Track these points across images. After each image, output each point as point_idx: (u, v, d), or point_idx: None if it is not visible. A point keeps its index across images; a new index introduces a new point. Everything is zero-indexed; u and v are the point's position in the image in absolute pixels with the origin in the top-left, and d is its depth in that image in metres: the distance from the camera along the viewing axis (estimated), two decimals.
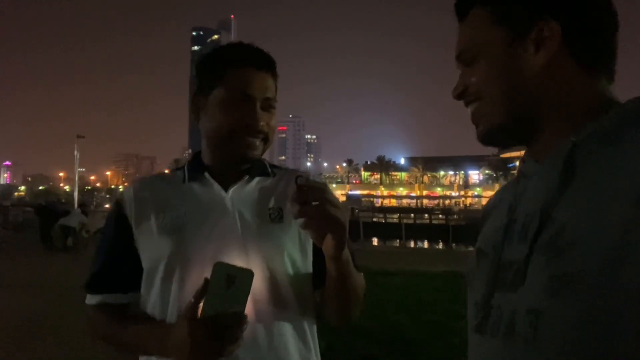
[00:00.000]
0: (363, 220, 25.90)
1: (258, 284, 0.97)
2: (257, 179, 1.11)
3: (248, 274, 0.86)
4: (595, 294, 0.49)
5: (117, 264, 1.07)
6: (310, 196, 0.83)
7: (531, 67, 0.63)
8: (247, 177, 1.09)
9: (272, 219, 1.05)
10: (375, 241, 24.73)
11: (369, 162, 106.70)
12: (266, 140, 1.08)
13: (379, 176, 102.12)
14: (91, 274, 1.09)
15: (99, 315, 1.08)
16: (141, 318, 1.04)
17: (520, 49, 0.64)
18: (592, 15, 0.63)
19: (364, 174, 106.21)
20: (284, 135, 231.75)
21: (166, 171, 1.29)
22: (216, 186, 1.07)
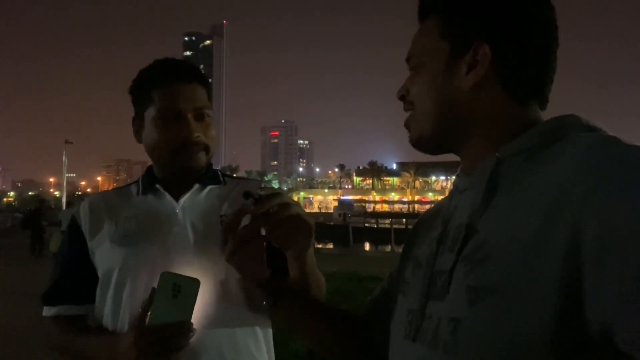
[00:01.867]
0: (354, 226, 25.95)
1: (209, 292, 1.00)
2: (208, 187, 1.13)
3: (194, 283, 0.88)
4: (506, 305, 0.52)
5: (73, 277, 1.10)
6: (268, 205, 0.82)
7: (461, 88, 0.65)
8: (197, 185, 1.11)
9: (218, 220, 1.07)
10: (367, 246, 24.77)
11: (361, 167, 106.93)
12: (207, 150, 1.09)
13: (371, 181, 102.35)
14: (48, 286, 1.11)
15: (55, 327, 1.10)
16: (94, 329, 1.07)
17: (456, 68, 0.66)
18: (524, 46, 0.63)
19: (356, 179, 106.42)
20: (275, 141, 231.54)
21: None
22: (167, 197, 1.09)
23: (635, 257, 0.44)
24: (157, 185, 1.11)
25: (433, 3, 0.70)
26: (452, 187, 0.74)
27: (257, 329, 1.08)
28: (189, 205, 1.09)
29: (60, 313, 1.09)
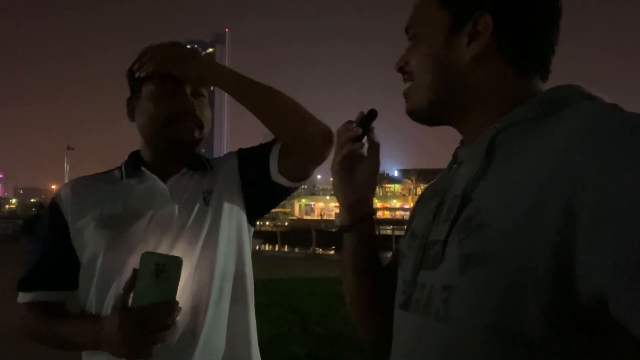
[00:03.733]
0: None
1: (196, 271, 0.99)
2: (195, 171, 1.12)
3: (177, 261, 0.86)
4: (499, 273, 0.51)
5: (52, 262, 1.06)
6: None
7: (461, 59, 0.64)
8: (185, 169, 1.11)
9: (205, 202, 1.07)
10: None
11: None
12: (200, 127, 1.09)
13: None
14: (25, 272, 1.08)
15: (30, 313, 1.05)
16: (75, 314, 1.03)
17: (456, 38, 0.65)
18: (526, 16, 0.62)
19: None
20: None
21: None
22: (154, 178, 1.08)
23: (631, 224, 0.43)
24: (143, 168, 1.09)
25: None
26: (451, 160, 0.72)
27: (248, 303, 1.09)
28: (178, 187, 1.08)
29: (36, 299, 1.05)
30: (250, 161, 1.14)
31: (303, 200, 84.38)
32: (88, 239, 1.02)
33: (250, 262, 1.13)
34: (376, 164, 0.83)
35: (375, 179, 0.84)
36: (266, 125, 1.08)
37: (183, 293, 0.90)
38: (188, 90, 1.07)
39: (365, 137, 0.82)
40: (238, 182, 1.12)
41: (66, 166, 33.83)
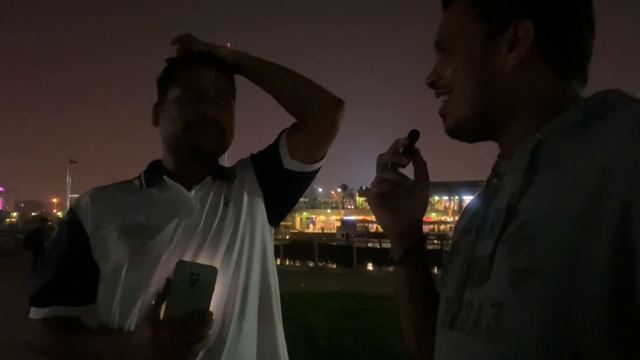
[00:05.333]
0: (358, 246, 25.81)
1: (225, 280, 0.98)
2: (218, 181, 1.12)
3: (212, 270, 0.85)
4: (553, 286, 0.49)
5: (70, 275, 1.02)
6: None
7: (502, 67, 0.63)
8: (209, 178, 1.11)
9: (227, 206, 1.07)
10: (370, 266, 24.57)
11: (364, 188, 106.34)
12: (222, 132, 1.08)
13: None
14: (39, 286, 1.03)
15: (45, 330, 1.01)
16: (95, 329, 0.99)
17: (495, 47, 0.63)
18: (566, 21, 0.62)
19: (359, 200, 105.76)
20: None
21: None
22: (179, 187, 1.07)
23: None
24: (165, 177, 1.08)
25: None
26: (491, 173, 0.70)
27: (274, 313, 1.08)
28: (201, 197, 1.07)
29: (53, 314, 1.00)
30: (263, 158, 1.15)
31: (304, 213, 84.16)
32: (111, 250, 0.99)
33: (274, 264, 1.13)
34: (426, 184, 0.77)
35: (426, 201, 0.78)
36: (281, 97, 1.12)
37: (213, 304, 0.88)
38: (212, 97, 1.06)
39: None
40: (256, 184, 1.12)
41: (69, 179, 33.91)
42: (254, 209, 1.09)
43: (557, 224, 0.51)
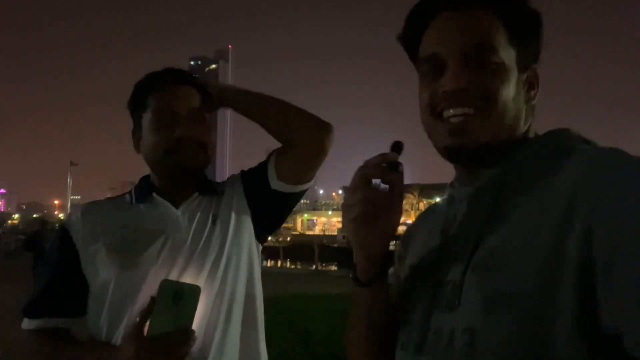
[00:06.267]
0: None
1: (210, 297, 0.99)
2: (206, 196, 1.13)
3: (195, 289, 0.87)
4: (526, 310, 0.52)
5: (61, 287, 1.05)
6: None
7: (524, 101, 0.66)
8: (196, 194, 1.12)
9: (214, 224, 1.08)
10: None
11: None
12: (204, 148, 1.09)
13: None
14: (31, 298, 1.07)
15: (36, 340, 1.05)
16: (83, 342, 1.02)
17: (520, 80, 0.65)
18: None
19: None
20: None
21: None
22: (166, 204, 1.08)
23: None
24: (154, 194, 1.09)
25: (499, 5, 0.64)
26: (447, 197, 0.72)
27: (259, 331, 1.09)
28: (188, 213, 1.08)
29: (44, 326, 1.03)
30: (252, 176, 1.16)
31: (305, 215, 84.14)
32: (99, 265, 1.02)
33: (260, 282, 1.13)
34: (400, 206, 0.67)
35: (399, 219, 0.68)
36: (269, 128, 1.12)
37: (196, 321, 0.90)
38: (185, 116, 1.06)
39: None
40: (244, 201, 1.13)
41: (69, 181, 34.06)
42: (241, 226, 1.11)
43: (528, 253, 0.53)
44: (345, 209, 0.67)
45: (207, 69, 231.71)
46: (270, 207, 1.14)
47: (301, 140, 1.09)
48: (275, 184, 1.10)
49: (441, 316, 0.61)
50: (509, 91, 0.63)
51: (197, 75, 1.16)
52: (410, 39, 0.69)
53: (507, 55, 0.63)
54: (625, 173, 0.52)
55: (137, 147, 1.14)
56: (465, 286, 0.58)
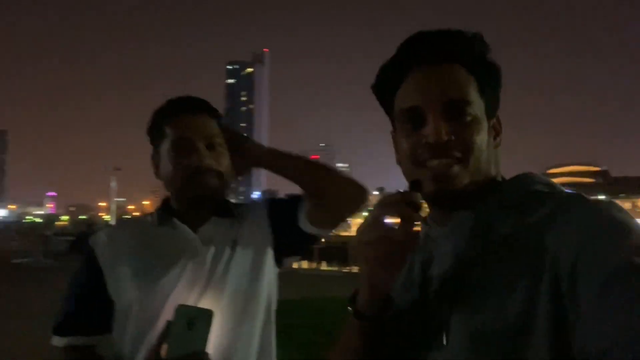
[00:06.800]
0: None
1: (226, 321, 1.02)
2: (224, 220, 1.16)
3: (208, 314, 0.89)
4: (510, 346, 0.56)
5: (87, 308, 1.11)
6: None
7: (492, 145, 0.70)
8: (214, 218, 1.15)
9: (234, 250, 1.11)
10: None
11: (401, 190, 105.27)
12: (220, 176, 1.11)
13: None
14: (60, 316, 1.13)
15: (65, 357, 1.12)
16: (108, 358, 1.08)
17: (488, 128, 0.70)
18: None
19: None
20: None
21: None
22: (185, 229, 1.12)
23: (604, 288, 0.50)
24: (174, 219, 1.13)
25: (470, 60, 0.69)
26: (422, 237, 0.73)
27: (272, 351, 1.11)
28: (207, 237, 1.11)
29: (72, 344, 1.10)
30: (280, 212, 1.17)
31: None
32: (123, 287, 1.06)
33: (275, 304, 1.16)
34: (415, 245, 0.64)
35: (407, 259, 0.64)
36: (304, 187, 1.12)
37: (211, 345, 0.92)
38: (203, 144, 1.09)
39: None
40: (268, 230, 1.15)
41: (113, 185, 35.59)
42: (262, 253, 1.13)
43: (508, 291, 0.58)
44: (360, 246, 0.65)
45: (243, 72, 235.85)
46: (295, 242, 1.16)
47: (335, 202, 1.11)
48: (305, 226, 1.13)
49: (431, 355, 0.63)
50: (483, 140, 0.68)
51: (226, 124, 1.18)
52: (383, 90, 0.74)
53: (479, 107, 0.68)
54: (588, 217, 0.57)
55: (156, 172, 1.17)
56: (451, 324, 0.61)
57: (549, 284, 0.55)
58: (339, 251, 22.13)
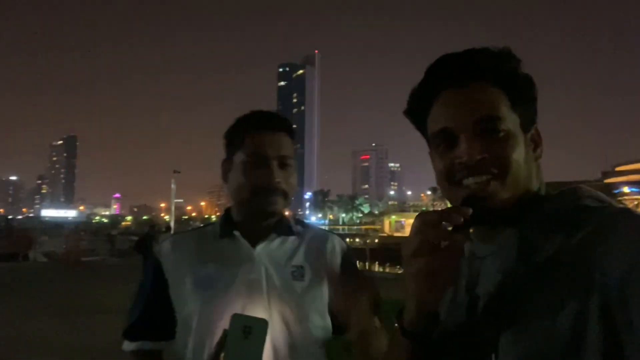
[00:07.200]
0: None
1: (276, 338, 1.05)
2: (282, 237, 1.18)
3: (263, 324, 0.91)
4: None
5: (154, 314, 1.17)
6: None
7: (532, 159, 0.70)
8: (274, 235, 1.17)
9: (294, 276, 1.14)
10: None
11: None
12: (285, 196, 1.15)
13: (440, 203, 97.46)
14: (129, 322, 1.20)
15: None
16: None
17: (526, 141, 0.69)
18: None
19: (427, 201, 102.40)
20: (366, 164, 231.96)
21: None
22: (245, 243, 1.16)
23: None
24: (235, 232, 1.17)
25: (498, 76, 0.69)
26: (468, 254, 0.72)
27: None
28: (264, 253, 1.15)
29: (141, 348, 1.18)
30: (342, 286, 1.14)
31: (393, 217, 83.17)
32: (184, 299, 1.12)
33: (324, 345, 1.16)
34: (458, 259, 0.62)
35: (453, 276, 0.63)
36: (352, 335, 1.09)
37: (266, 356, 0.95)
38: (276, 163, 1.13)
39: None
40: (329, 276, 1.16)
41: (173, 187, 37.18)
42: (318, 295, 1.14)
43: (556, 312, 0.57)
44: (406, 259, 0.64)
45: (294, 74, 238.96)
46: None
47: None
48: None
49: None
50: (519, 154, 0.67)
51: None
52: (416, 115, 0.76)
53: (512, 121, 0.68)
54: (637, 234, 0.56)
55: (224, 177, 1.21)
56: (501, 342, 0.61)
57: (598, 303, 0.54)
58: (391, 252, 21.83)
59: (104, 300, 9.07)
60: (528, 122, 0.70)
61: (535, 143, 0.72)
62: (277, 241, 1.18)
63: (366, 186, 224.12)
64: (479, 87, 0.68)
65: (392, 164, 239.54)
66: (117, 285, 11.80)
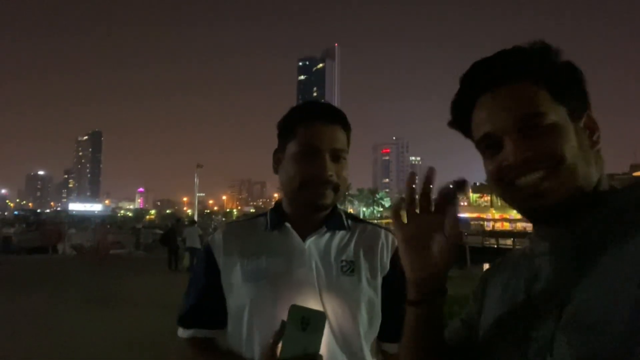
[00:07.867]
0: (472, 245, 24.44)
1: (328, 331, 1.03)
2: (333, 231, 1.17)
3: (321, 316, 0.89)
4: None
5: (206, 303, 1.18)
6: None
7: (587, 147, 0.67)
8: (324, 228, 1.16)
9: (343, 271, 1.12)
10: (486, 267, 23.01)
11: (477, 184, 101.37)
12: (336, 189, 1.13)
13: (489, 198, 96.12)
14: (184, 310, 1.21)
15: (189, 348, 1.20)
16: (227, 354, 1.13)
17: (579, 129, 0.67)
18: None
19: (473, 196, 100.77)
20: (387, 158, 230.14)
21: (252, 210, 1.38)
22: (295, 236, 1.15)
23: None
24: (287, 224, 1.16)
25: (533, 72, 0.68)
26: (527, 251, 0.72)
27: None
28: (315, 246, 1.14)
29: (195, 335, 1.18)
30: (393, 288, 1.14)
31: None
32: (235, 289, 1.13)
33: (375, 340, 1.16)
34: (458, 237, 0.72)
35: (453, 255, 0.72)
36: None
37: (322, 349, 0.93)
38: (329, 155, 1.11)
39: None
40: (380, 276, 1.16)
41: (196, 181, 37.66)
42: (368, 289, 1.13)
43: (617, 313, 0.54)
44: (395, 227, 0.75)
45: (314, 68, 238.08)
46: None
47: None
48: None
49: None
50: (571, 145, 0.65)
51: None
52: (460, 125, 0.76)
53: (557, 113, 0.66)
54: None
55: (275, 168, 1.20)
56: (556, 343, 0.59)
57: None
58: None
59: (132, 292, 9.26)
60: (577, 109, 0.67)
61: (591, 129, 0.68)
62: (327, 235, 1.16)
63: (387, 180, 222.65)
64: (514, 88, 0.67)
65: (412, 158, 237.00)
66: (144, 278, 12.06)
